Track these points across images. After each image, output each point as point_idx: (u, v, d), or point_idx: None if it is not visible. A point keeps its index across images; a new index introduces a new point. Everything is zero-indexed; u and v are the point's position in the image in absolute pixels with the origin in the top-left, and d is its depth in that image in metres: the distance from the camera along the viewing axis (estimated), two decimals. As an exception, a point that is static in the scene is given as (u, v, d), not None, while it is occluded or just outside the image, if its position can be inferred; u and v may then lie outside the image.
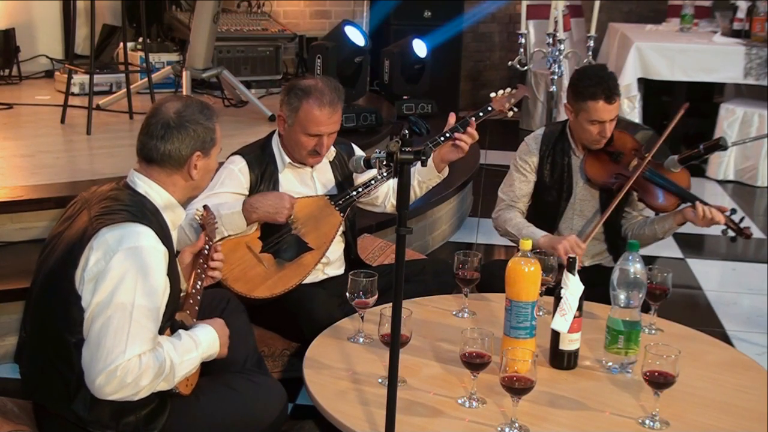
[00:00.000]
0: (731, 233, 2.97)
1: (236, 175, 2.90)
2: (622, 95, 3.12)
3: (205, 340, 2.19)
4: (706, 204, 2.95)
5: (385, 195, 3.16)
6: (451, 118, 3.02)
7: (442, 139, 2.99)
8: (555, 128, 3.24)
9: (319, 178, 3.06)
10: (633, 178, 3.00)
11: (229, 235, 2.82)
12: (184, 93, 5.11)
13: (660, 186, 3.04)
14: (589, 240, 3.02)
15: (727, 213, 2.95)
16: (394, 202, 3.11)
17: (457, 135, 2.95)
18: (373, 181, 3.00)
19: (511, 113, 3.20)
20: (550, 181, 3.18)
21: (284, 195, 2.85)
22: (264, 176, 2.95)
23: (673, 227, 3.07)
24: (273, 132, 3.05)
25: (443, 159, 3.02)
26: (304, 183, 3.03)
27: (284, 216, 2.82)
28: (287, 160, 2.98)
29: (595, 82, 2.99)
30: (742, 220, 2.96)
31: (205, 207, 2.52)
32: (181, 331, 2.18)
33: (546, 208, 3.18)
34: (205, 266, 2.38)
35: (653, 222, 3.14)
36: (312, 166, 3.01)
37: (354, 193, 3.00)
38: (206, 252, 2.39)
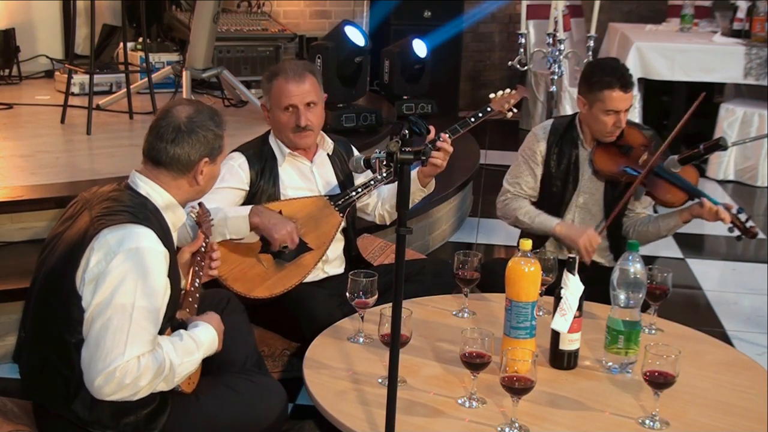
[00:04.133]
0: (737, 232, 2.97)
1: (236, 170, 2.91)
2: None
3: (206, 341, 2.19)
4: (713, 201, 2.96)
5: (374, 205, 3.16)
6: (431, 134, 3.00)
7: (429, 149, 2.95)
8: (563, 120, 3.25)
9: (319, 173, 3.06)
10: (645, 172, 3.00)
11: (231, 239, 2.82)
12: (184, 93, 5.11)
13: (668, 181, 3.04)
14: (604, 230, 3.05)
15: (734, 211, 2.95)
16: (382, 213, 3.15)
17: (433, 154, 2.86)
18: (372, 182, 3.00)
19: (510, 114, 3.21)
20: (557, 172, 3.18)
21: (291, 223, 2.81)
22: (264, 172, 2.95)
23: (678, 224, 3.07)
24: (270, 129, 3.06)
25: (425, 174, 2.98)
26: (305, 177, 3.03)
27: (280, 234, 2.76)
28: (287, 151, 2.99)
29: (609, 72, 3.01)
30: (748, 219, 2.97)
31: (200, 204, 2.51)
32: (181, 331, 2.18)
33: (551, 199, 3.19)
34: (203, 264, 2.38)
35: (657, 219, 3.14)
36: (306, 147, 3.00)
37: (353, 193, 3.00)
38: (203, 249, 2.40)
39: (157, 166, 2.21)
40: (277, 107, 2.93)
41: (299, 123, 2.92)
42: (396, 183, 3.04)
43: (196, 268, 2.36)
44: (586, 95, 3.07)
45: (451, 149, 2.91)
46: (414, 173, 2.99)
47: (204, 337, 2.19)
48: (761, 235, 5.23)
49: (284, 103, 2.91)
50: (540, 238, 3.17)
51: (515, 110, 3.24)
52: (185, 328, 2.22)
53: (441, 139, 2.90)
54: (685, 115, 3.05)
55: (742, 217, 2.95)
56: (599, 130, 3.08)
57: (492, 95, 3.21)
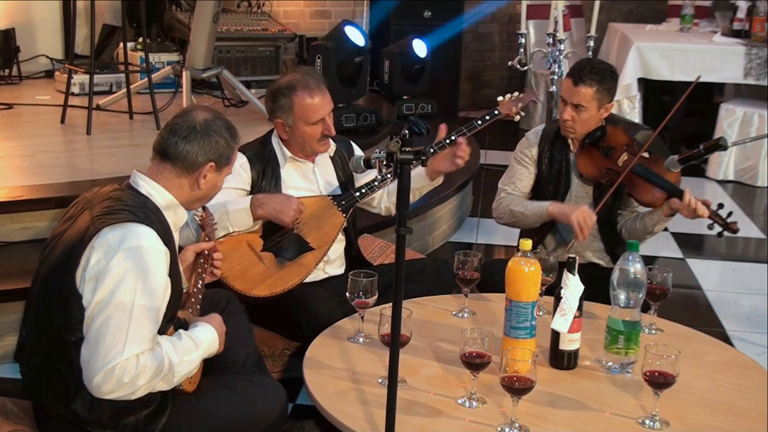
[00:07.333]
0: (717, 228, 2.96)
1: (238, 170, 2.91)
2: (622, 95, 3.14)
3: (206, 341, 2.19)
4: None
5: (380, 197, 3.17)
6: (442, 131, 3.00)
7: (432, 151, 2.97)
8: (554, 125, 3.26)
9: (321, 173, 3.06)
10: (624, 173, 3.00)
11: (234, 232, 2.83)
12: (184, 93, 5.10)
13: (648, 181, 3.04)
14: (599, 209, 3.03)
15: (713, 207, 2.95)
16: (389, 206, 3.16)
17: (460, 151, 2.93)
18: (376, 183, 3.00)
19: (518, 117, 3.22)
20: (548, 177, 3.19)
21: (293, 198, 2.86)
22: (265, 172, 2.96)
23: (661, 219, 3.06)
24: (272, 129, 3.06)
25: (436, 169, 3.02)
26: (306, 178, 3.04)
27: (289, 216, 2.83)
28: (288, 154, 2.99)
29: (576, 65, 3.07)
30: (729, 215, 2.96)
31: (204, 208, 2.52)
32: (181, 331, 2.18)
33: None
34: (206, 266, 2.39)
35: (643, 216, 3.14)
36: (325, 152, 3.02)
37: (357, 194, 3.00)
38: (206, 252, 2.40)
39: (163, 161, 2.22)
40: (303, 123, 2.91)
41: (328, 132, 2.94)
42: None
43: (200, 270, 2.37)
44: None
45: (469, 150, 2.97)
46: (422, 170, 3.03)
47: (203, 336, 2.19)
48: (761, 235, 5.23)
49: (314, 118, 2.90)
50: (540, 237, 3.18)
51: (523, 113, 3.24)
52: (186, 328, 2.23)
53: (458, 142, 2.94)
54: (676, 105, 3.08)
55: (723, 213, 2.95)
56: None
57: (500, 98, 3.21)
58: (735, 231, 2.95)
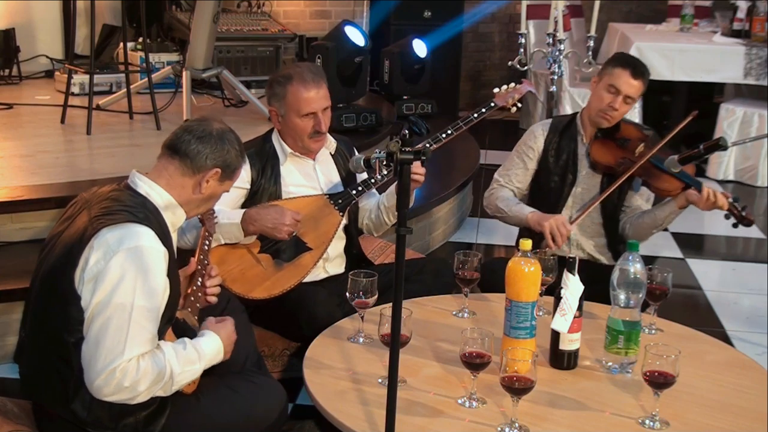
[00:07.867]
0: (733, 219, 2.99)
1: None
2: None
3: (210, 352, 2.19)
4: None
5: (363, 215, 3.15)
6: None
7: (429, 146, 2.93)
8: (564, 118, 3.29)
9: (322, 170, 3.06)
10: (641, 162, 3.02)
11: (224, 243, 2.82)
12: (184, 93, 5.10)
13: (665, 171, 3.06)
14: (579, 221, 3.05)
15: (730, 199, 2.97)
16: (368, 223, 3.13)
17: (414, 169, 2.80)
18: (372, 180, 2.99)
19: (514, 109, 3.20)
20: (555, 168, 3.20)
21: (286, 211, 2.80)
22: (265, 170, 2.95)
23: (674, 211, 3.07)
24: (273, 127, 3.05)
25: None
26: (307, 175, 3.03)
27: (284, 233, 2.78)
28: (288, 150, 2.98)
29: (628, 57, 3.16)
30: (744, 207, 2.99)
31: None
32: (186, 339, 2.17)
33: (548, 195, 3.20)
34: (206, 262, 2.38)
35: (653, 209, 3.15)
36: (318, 150, 3.00)
37: (353, 192, 3.00)
38: (206, 247, 2.40)
39: (172, 156, 2.21)
40: (294, 114, 2.91)
41: (319, 129, 2.92)
42: (382, 197, 3.07)
43: (199, 267, 2.37)
44: (600, 72, 3.16)
45: (423, 170, 2.84)
46: (393, 190, 2.98)
47: (208, 348, 2.18)
48: (761, 235, 5.23)
49: (305, 110, 2.90)
50: (540, 237, 3.18)
51: (520, 105, 3.22)
52: (186, 330, 2.22)
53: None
54: (679, 125, 3.11)
55: (738, 205, 2.97)
56: (595, 106, 3.13)
57: (496, 89, 3.19)
58: (751, 223, 2.98)
